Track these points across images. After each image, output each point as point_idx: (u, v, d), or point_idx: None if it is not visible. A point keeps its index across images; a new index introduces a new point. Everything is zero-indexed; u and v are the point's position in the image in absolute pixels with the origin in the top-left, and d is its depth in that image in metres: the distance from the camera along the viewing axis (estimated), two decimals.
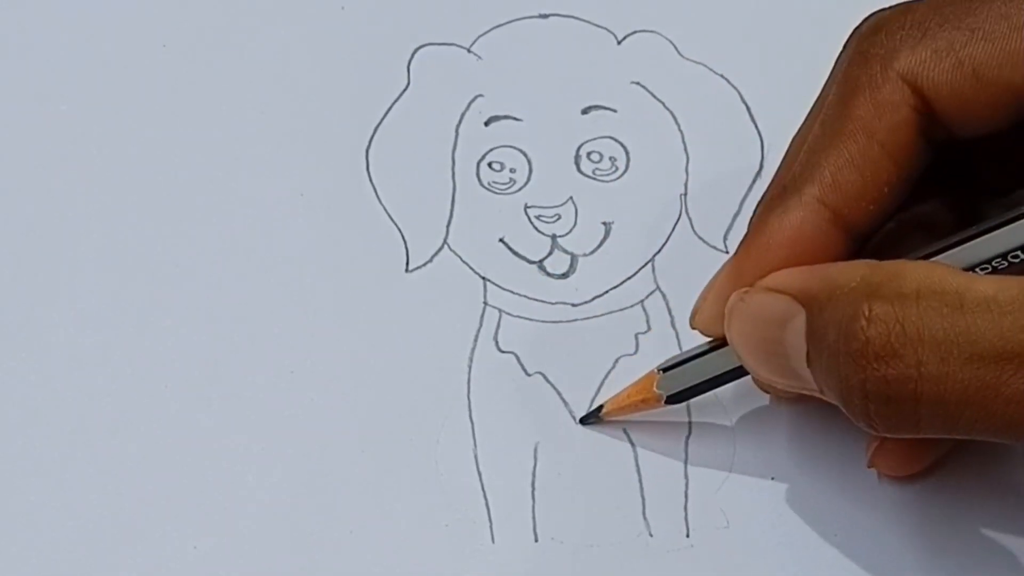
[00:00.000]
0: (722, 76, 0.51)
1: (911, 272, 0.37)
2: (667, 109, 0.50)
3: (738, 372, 0.43)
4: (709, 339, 0.43)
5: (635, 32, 0.51)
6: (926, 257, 0.39)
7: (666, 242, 0.48)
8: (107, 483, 0.45)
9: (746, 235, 0.41)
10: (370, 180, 0.49)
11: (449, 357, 0.46)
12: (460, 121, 0.50)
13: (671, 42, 0.51)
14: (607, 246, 0.48)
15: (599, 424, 0.45)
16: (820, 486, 0.45)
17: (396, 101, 0.50)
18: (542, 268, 0.48)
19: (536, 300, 0.47)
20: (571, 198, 0.49)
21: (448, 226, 0.48)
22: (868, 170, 0.40)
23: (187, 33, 0.52)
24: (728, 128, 0.50)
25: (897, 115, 0.39)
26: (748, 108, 0.50)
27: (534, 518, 0.44)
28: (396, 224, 0.48)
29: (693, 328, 0.43)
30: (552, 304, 0.47)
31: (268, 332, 0.47)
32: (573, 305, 0.47)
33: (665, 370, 0.44)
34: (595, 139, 0.49)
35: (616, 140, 0.49)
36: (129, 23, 0.52)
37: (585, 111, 0.50)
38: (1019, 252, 0.39)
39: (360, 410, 0.46)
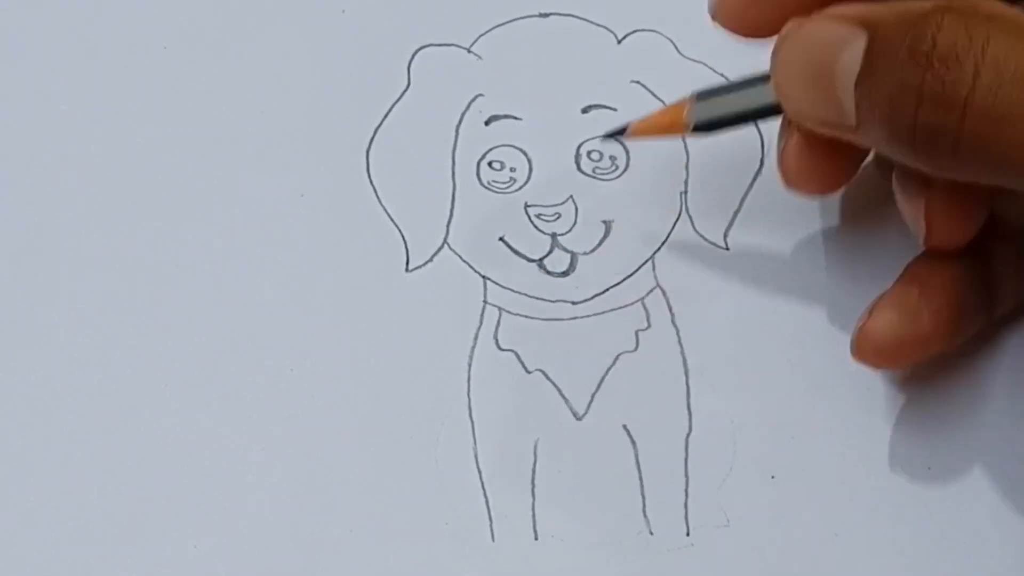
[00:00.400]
0: (722, 75, 0.50)
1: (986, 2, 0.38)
2: None
3: (773, 110, 0.43)
4: (749, 75, 0.43)
5: (635, 31, 0.51)
6: None
7: (666, 240, 0.48)
8: (107, 483, 0.45)
9: None
10: (370, 181, 0.49)
11: (449, 356, 0.46)
12: (460, 121, 0.50)
13: (671, 41, 0.51)
14: (607, 244, 0.48)
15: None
16: (820, 486, 0.45)
17: (396, 102, 0.51)
18: (542, 267, 0.48)
19: (536, 298, 0.47)
20: (571, 197, 0.49)
21: (448, 225, 0.48)
22: None
23: (188, 35, 0.52)
24: None
25: None
26: None
27: (534, 516, 0.44)
28: (396, 224, 0.48)
29: (714, 20, 0.44)
30: (552, 302, 0.47)
31: (268, 332, 0.47)
32: (573, 303, 0.47)
33: (700, 97, 0.44)
34: (595, 138, 0.49)
35: (616, 139, 0.49)
36: (130, 25, 0.52)
37: (585, 110, 0.50)
38: None
39: (360, 410, 0.46)
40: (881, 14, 0.39)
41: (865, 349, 0.44)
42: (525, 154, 0.49)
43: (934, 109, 0.38)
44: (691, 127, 0.44)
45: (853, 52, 0.39)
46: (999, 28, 0.38)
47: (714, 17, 0.44)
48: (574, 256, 0.48)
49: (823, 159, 0.43)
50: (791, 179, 0.44)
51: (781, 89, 0.42)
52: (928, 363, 0.45)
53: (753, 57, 0.51)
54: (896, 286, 0.44)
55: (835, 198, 0.48)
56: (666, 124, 0.45)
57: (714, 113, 0.44)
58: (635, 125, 0.45)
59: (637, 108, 0.50)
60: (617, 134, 0.45)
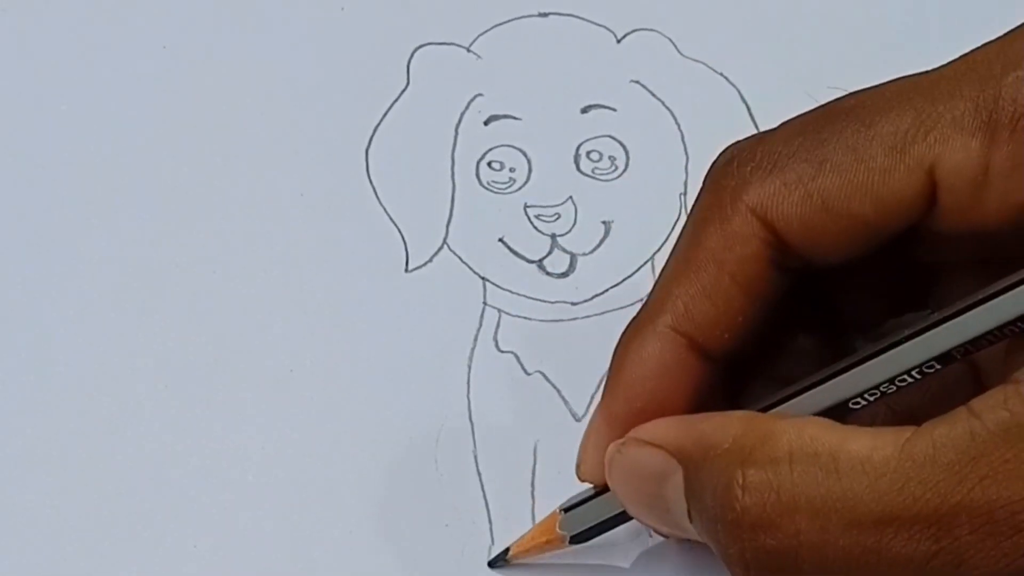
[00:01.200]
0: (721, 75, 0.51)
1: (783, 433, 0.36)
2: (666, 108, 0.50)
3: None
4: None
5: (634, 30, 0.51)
6: (801, 392, 0.38)
7: (666, 241, 0.48)
8: (107, 483, 0.45)
9: (609, 373, 0.41)
10: (370, 180, 0.49)
11: (449, 357, 0.46)
12: (460, 121, 0.50)
13: (671, 40, 0.51)
14: (607, 245, 0.48)
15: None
16: None
17: (396, 101, 0.50)
18: (542, 267, 0.48)
19: (536, 299, 0.47)
20: (571, 197, 0.49)
21: (448, 226, 0.48)
22: (720, 300, 0.39)
23: (187, 34, 0.52)
24: (727, 127, 0.49)
25: (747, 248, 0.39)
26: (748, 106, 0.50)
27: (534, 518, 0.44)
28: (396, 224, 0.48)
29: (581, 481, 0.42)
30: (552, 303, 0.47)
31: (268, 332, 0.47)
32: (572, 304, 0.47)
33: (566, 510, 0.42)
34: (595, 138, 0.49)
35: (615, 139, 0.49)
36: (130, 24, 0.52)
37: (585, 110, 0.50)
38: (891, 384, 0.37)
39: (360, 410, 0.46)
40: (688, 445, 0.38)
41: None
42: (525, 154, 0.49)
43: (766, 570, 0.36)
44: (568, 540, 0.42)
45: (675, 487, 0.38)
46: (805, 470, 0.35)
47: (581, 478, 0.42)
48: (574, 257, 0.48)
49: None
50: None
51: (628, 509, 0.40)
52: None
53: (754, 57, 0.51)
54: None
55: None
56: (543, 542, 0.43)
57: (584, 523, 0.42)
58: (515, 548, 0.43)
59: (636, 108, 0.50)
60: (499, 560, 0.44)
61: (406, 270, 0.48)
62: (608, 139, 0.49)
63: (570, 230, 0.48)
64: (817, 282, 0.41)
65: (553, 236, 0.48)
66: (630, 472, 0.39)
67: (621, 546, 0.44)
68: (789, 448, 0.36)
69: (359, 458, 0.45)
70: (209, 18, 0.52)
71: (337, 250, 0.48)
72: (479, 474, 0.45)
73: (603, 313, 0.47)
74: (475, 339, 0.47)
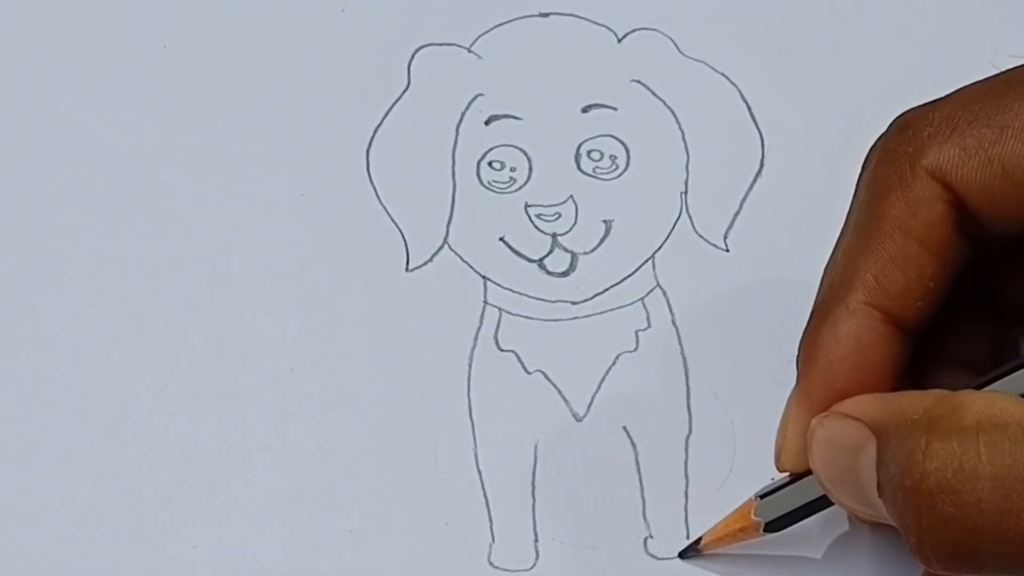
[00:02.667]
0: (722, 74, 0.51)
1: (972, 404, 0.36)
2: (667, 107, 0.50)
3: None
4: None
5: (635, 30, 0.51)
6: (991, 381, 0.38)
7: (666, 240, 0.48)
8: (107, 483, 0.45)
9: (803, 358, 0.40)
10: (370, 180, 0.49)
11: (449, 356, 0.46)
12: (460, 120, 0.50)
13: (671, 40, 0.51)
14: (607, 244, 0.48)
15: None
16: None
17: (396, 101, 0.50)
18: (542, 267, 0.48)
19: (536, 299, 0.47)
20: (571, 196, 0.49)
21: (448, 225, 0.48)
22: (910, 268, 0.39)
23: (188, 34, 0.52)
24: (728, 126, 0.50)
25: (932, 211, 0.38)
26: (748, 106, 0.50)
27: (534, 518, 0.44)
28: (396, 224, 0.48)
29: (781, 471, 0.41)
30: (552, 302, 0.47)
31: (268, 331, 0.47)
32: (573, 303, 0.47)
33: (762, 496, 0.42)
34: (595, 137, 0.49)
35: (616, 138, 0.49)
36: (130, 24, 0.52)
37: (585, 109, 0.50)
38: None
39: (360, 409, 0.46)
40: (884, 417, 0.37)
41: None
42: (525, 154, 0.49)
43: (940, 543, 0.35)
44: (763, 527, 0.42)
45: (867, 459, 0.37)
46: (992, 440, 0.35)
47: (781, 467, 0.42)
48: (574, 256, 0.48)
49: None
50: None
51: (824, 487, 0.40)
52: None
53: (754, 57, 0.51)
54: None
55: (836, 201, 0.48)
56: (737, 530, 0.43)
57: (781, 510, 0.42)
58: (708, 539, 0.43)
59: (637, 107, 0.50)
60: (691, 550, 0.43)
61: (406, 269, 0.48)
62: (609, 138, 0.49)
63: (571, 229, 0.48)
64: (984, 270, 0.41)
65: (554, 235, 0.48)
66: (828, 445, 0.39)
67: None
68: (977, 419, 0.35)
69: (359, 457, 0.45)
70: (209, 18, 0.52)
71: (337, 250, 0.48)
72: (479, 474, 0.45)
73: (603, 312, 0.47)
74: (475, 338, 0.47)
